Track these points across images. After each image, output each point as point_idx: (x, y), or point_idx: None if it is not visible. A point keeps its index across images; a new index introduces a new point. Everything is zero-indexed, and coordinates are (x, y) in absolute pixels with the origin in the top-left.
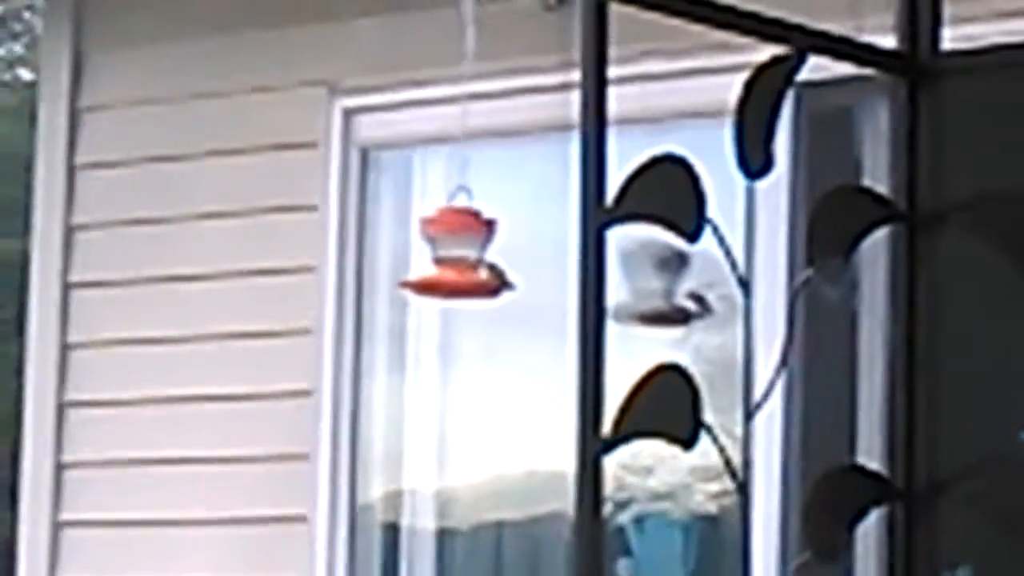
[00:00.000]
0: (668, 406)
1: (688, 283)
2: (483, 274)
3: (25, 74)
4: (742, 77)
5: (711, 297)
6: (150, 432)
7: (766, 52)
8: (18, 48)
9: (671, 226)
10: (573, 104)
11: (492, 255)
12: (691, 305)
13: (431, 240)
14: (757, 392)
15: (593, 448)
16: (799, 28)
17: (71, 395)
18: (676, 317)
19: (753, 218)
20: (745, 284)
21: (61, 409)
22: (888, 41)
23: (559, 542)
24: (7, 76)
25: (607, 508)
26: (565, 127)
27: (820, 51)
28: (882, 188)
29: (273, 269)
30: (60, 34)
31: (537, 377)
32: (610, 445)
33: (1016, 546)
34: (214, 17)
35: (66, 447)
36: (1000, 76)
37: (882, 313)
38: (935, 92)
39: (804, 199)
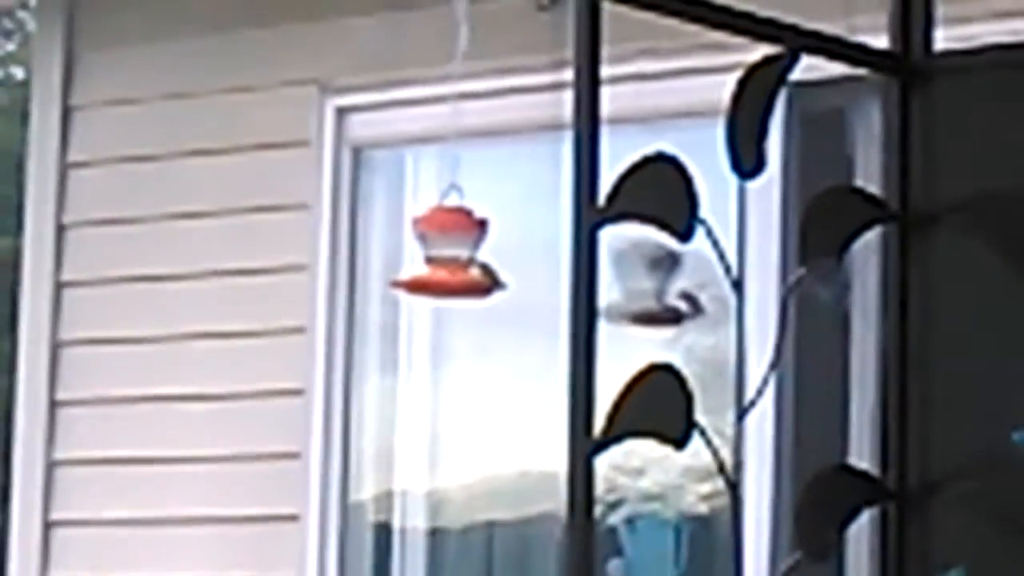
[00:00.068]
0: (660, 406)
1: (680, 283)
2: (475, 273)
3: (17, 72)
4: (735, 77)
5: (703, 297)
6: (142, 431)
7: (759, 52)
8: (10, 46)
9: (663, 226)
10: (566, 103)
11: (484, 254)
12: (683, 305)
13: (423, 239)
14: (749, 392)
15: (584, 448)
16: (792, 28)
17: (63, 393)
18: (668, 317)
19: (745, 218)
20: (737, 284)
21: (52, 407)
22: (881, 41)
23: (550, 542)
24: None
25: (598, 508)
26: (558, 126)
27: (813, 51)
28: (874, 188)
29: (265, 268)
30: (52, 33)
31: (529, 377)
32: (601, 445)
33: (1009, 546)
34: (207, 16)
35: (58, 445)
36: (993, 76)
37: (874, 313)
38: (927, 92)
39: (796, 199)
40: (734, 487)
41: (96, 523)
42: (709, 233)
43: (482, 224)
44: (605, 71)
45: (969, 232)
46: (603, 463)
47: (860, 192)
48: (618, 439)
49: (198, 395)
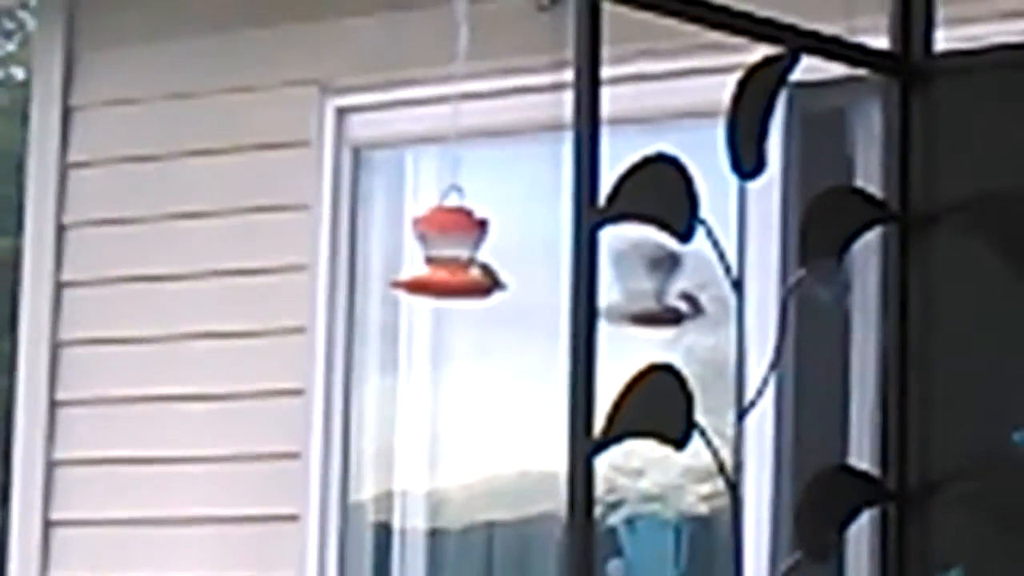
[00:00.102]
0: (660, 406)
1: (680, 284)
2: (475, 274)
3: (18, 73)
4: (735, 77)
5: (703, 298)
6: (142, 430)
7: (759, 52)
8: (10, 46)
9: (664, 226)
10: (566, 104)
11: (484, 255)
12: (683, 306)
13: (423, 239)
14: (749, 393)
15: (584, 448)
16: (792, 28)
17: (63, 393)
18: (668, 318)
19: (745, 218)
20: (737, 284)
21: (52, 407)
22: (881, 42)
23: (550, 543)
24: None
25: (598, 509)
26: (558, 127)
27: (813, 51)
28: (875, 189)
29: (265, 268)
30: (53, 33)
31: (529, 377)
32: (601, 445)
33: (1009, 546)
34: (207, 16)
35: (58, 445)
36: (993, 77)
37: (875, 314)
38: (928, 93)
39: (797, 200)
40: (734, 487)
41: (96, 523)
42: (709, 233)
43: (482, 224)
44: (605, 72)
45: (969, 232)
46: (603, 463)
47: (860, 192)
48: (618, 439)
49: (198, 395)
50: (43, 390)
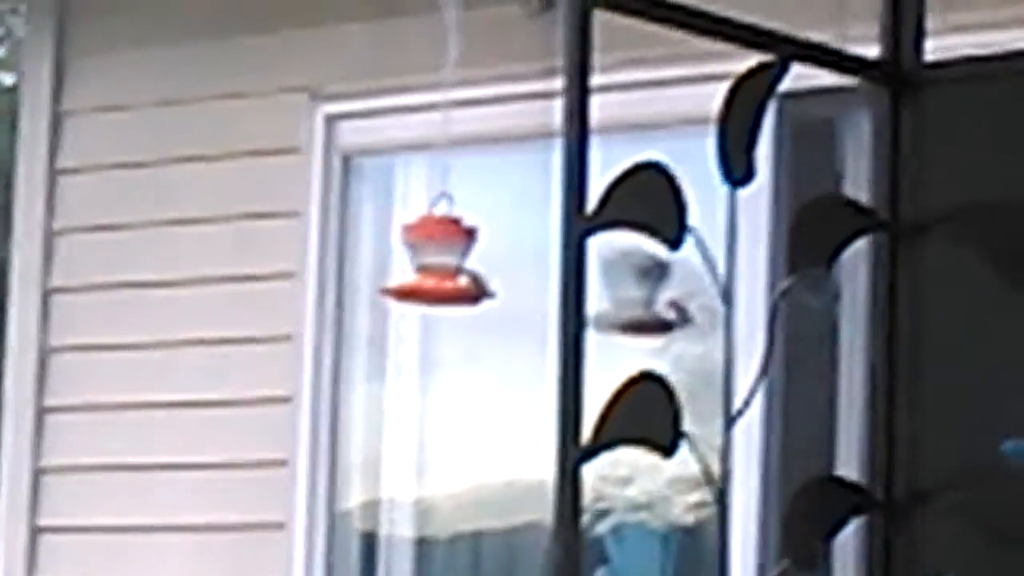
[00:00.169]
0: (648, 415)
1: (669, 292)
2: (464, 281)
3: (6, 78)
4: (725, 86)
5: (692, 306)
6: (129, 437)
7: (749, 61)
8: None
9: (653, 234)
10: (555, 112)
11: (473, 263)
12: (671, 314)
13: (412, 247)
14: (737, 402)
15: (572, 456)
16: (782, 37)
17: (50, 399)
18: (656, 326)
19: (735, 227)
20: (726, 293)
21: (40, 413)
22: (871, 51)
23: (537, 552)
24: None
25: (585, 518)
26: (547, 134)
27: (803, 60)
28: (864, 198)
29: (254, 275)
30: (42, 38)
31: (517, 385)
32: (589, 453)
33: (996, 557)
34: (197, 22)
35: (45, 452)
36: (983, 86)
37: (863, 323)
38: (918, 102)
39: (786, 208)
40: (722, 496)
41: (83, 529)
42: (698, 242)
43: (471, 232)
44: (595, 80)
45: (958, 242)
46: (590, 472)
47: (849, 201)
48: (606, 448)
49: (186, 402)
50: (31, 396)
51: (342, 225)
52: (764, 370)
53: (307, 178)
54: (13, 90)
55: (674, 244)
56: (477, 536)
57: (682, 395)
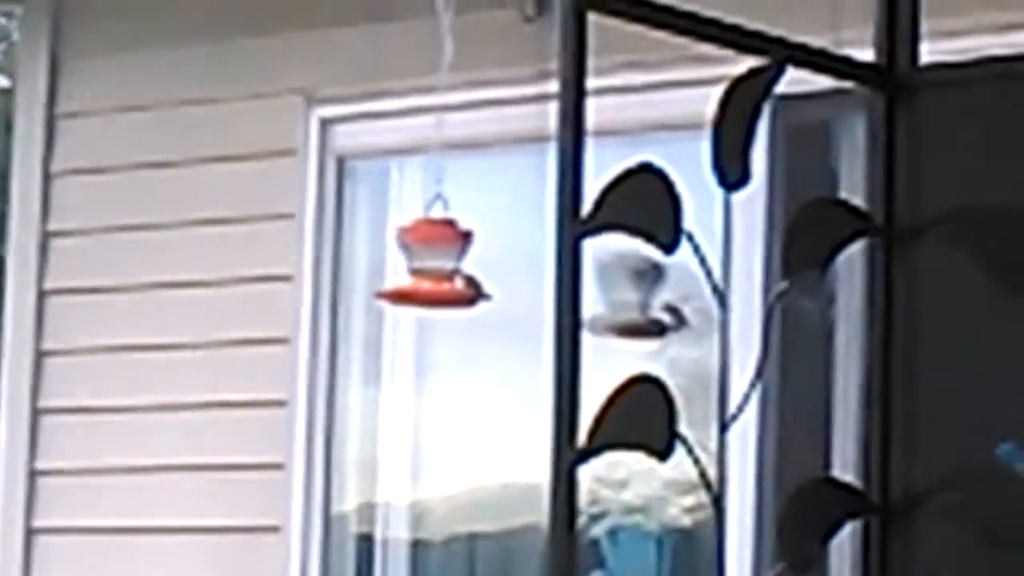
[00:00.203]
0: (643, 418)
1: (664, 295)
2: (459, 284)
3: (2, 80)
4: (720, 89)
5: (687, 310)
6: (124, 440)
7: (744, 65)
8: None
9: (648, 237)
10: (550, 115)
11: (468, 265)
12: (667, 318)
13: (407, 250)
14: (732, 405)
15: (568, 459)
16: (777, 40)
17: (45, 402)
18: (652, 329)
19: (730, 230)
20: (721, 296)
21: (35, 416)
22: (866, 54)
23: (533, 554)
24: None
25: (581, 520)
26: (542, 138)
27: (798, 63)
28: (859, 201)
29: (249, 277)
30: (37, 40)
31: (512, 388)
32: (584, 456)
33: (992, 559)
34: (192, 25)
35: (40, 454)
36: (978, 90)
37: (859, 326)
38: (913, 105)
39: (781, 212)
40: (717, 499)
41: (78, 531)
42: (694, 246)
43: (466, 235)
44: (590, 83)
45: (953, 245)
46: (586, 475)
47: (845, 205)
48: (601, 451)
49: (180, 405)
50: (26, 399)
51: (337, 228)
52: (759, 373)
53: (302, 181)
54: (8, 92)
55: (669, 247)
56: (473, 539)
57: (677, 398)
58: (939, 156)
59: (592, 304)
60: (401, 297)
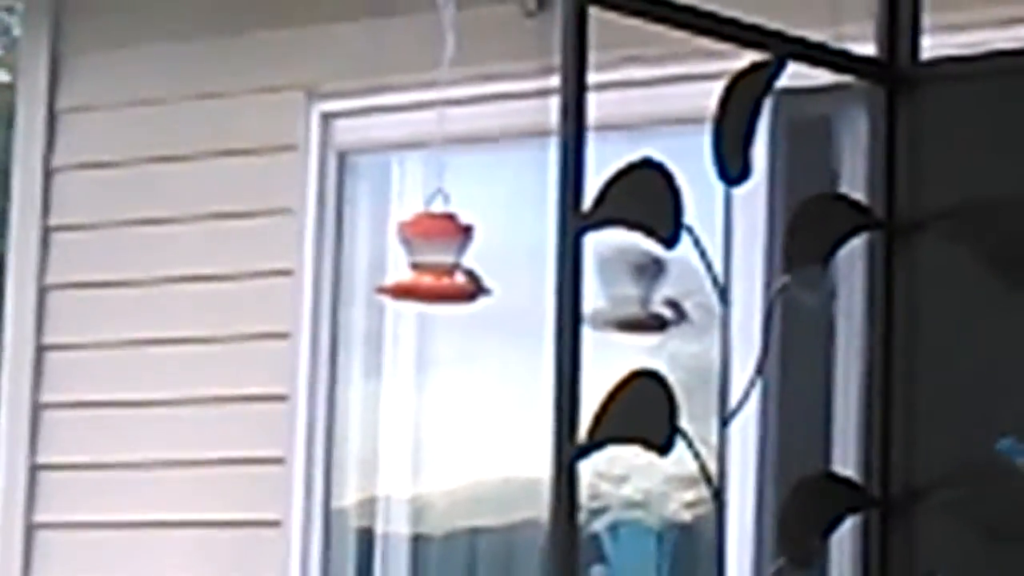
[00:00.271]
0: (644, 412)
1: (665, 290)
2: (460, 279)
3: (2, 76)
4: (721, 84)
5: (688, 304)
6: (125, 435)
7: (746, 59)
8: None
9: (649, 232)
10: (552, 110)
11: (469, 260)
12: (667, 312)
13: (408, 245)
14: (733, 399)
15: (568, 454)
16: (778, 35)
17: (46, 397)
18: (652, 324)
19: (731, 225)
20: (722, 291)
21: (36, 411)
22: (867, 49)
23: (534, 549)
24: None
25: (582, 515)
26: (543, 133)
27: (799, 58)
28: (860, 196)
29: (250, 272)
30: (38, 36)
31: (513, 383)
32: (585, 450)
33: (991, 554)
34: (193, 20)
35: (41, 449)
36: (979, 84)
37: (859, 320)
38: (913, 100)
39: (782, 206)
40: (718, 494)
41: (79, 526)
42: (695, 240)
43: (467, 230)
44: (591, 78)
45: (954, 239)
46: (586, 470)
47: (846, 199)
48: (602, 445)
49: (182, 399)
50: (27, 393)
51: (338, 223)
52: (760, 368)
53: (303, 176)
54: (9, 87)
55: (670, 242)
56: (473, 533)
57: (678, 393)
58: (940, 151)
59: (593, 299)
60: (402, 292)
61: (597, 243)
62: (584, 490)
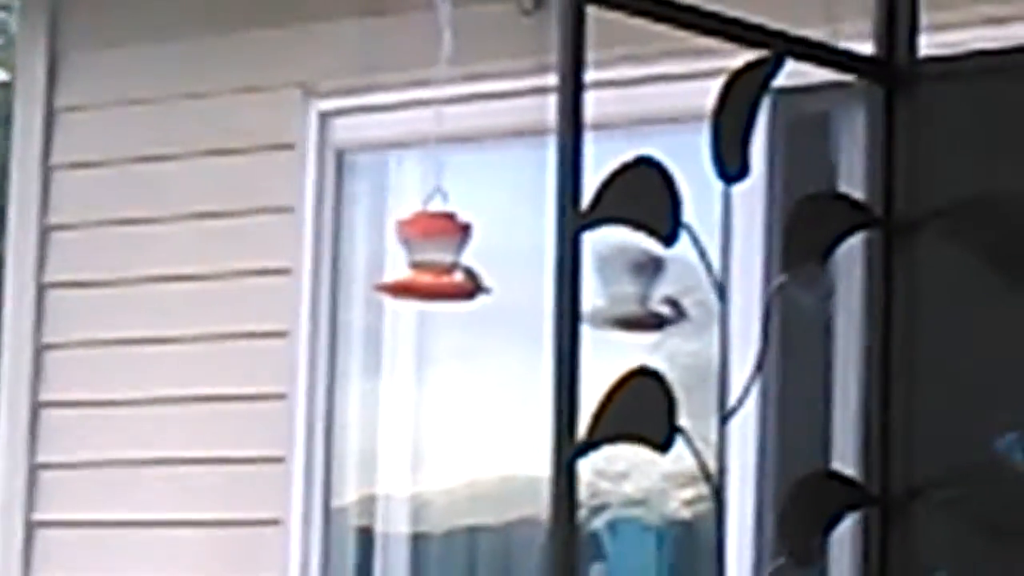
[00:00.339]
0: (643, 410)
1: (663, 288)
2: (458, 277)
3: (0, 74)
4: (719, 82)
5: (686, 302)
6: (125, 433)
7: (744, 57)
8: None
9: (647, 230)
10: (549, 108)
11: (467, 258)
12: (666, 310)
13: (406, 243)
14: (732, 397)
15: (568, 452)
16: (776, 33)
17: (46, 396)
18: (651, 322)
19: (729, 223)
20: (721, 289)
21: (36, 410)
22: (866, 47)
23: (533, 547)
24: None
25: (581, 513)
26: (541, 131)
27: (797, 56)
28: (858, 194)
29: (248, 271)
30: (36, 34)
31: (512, 381)
32: (584, 449)
33: (991, 552)
34: (191, 18)
35: (40, 448)
36: (977, 82)
37: (858, 319)
38: (912, 98)
39: (780, 204)
40: (717, 492)
41: (79, 525)
42: (693, 238)
43: (466, 228)
44: (589, 76)
45: (954, 238)
46: (586, 468)
47: (844, 197)
48: (601, 443)
49: (181, 398)
50: (26, 393)
51: (336, 221)
52: (759, 366)
53: (301, 174)
54: (7, 86)
55: (668, 240)
56: (473, 531)
57: (677, 391)
58: (940, 148)
59: (592, 297)
60: (400, 290)
61: (596, 241)
62: (584, 488)
